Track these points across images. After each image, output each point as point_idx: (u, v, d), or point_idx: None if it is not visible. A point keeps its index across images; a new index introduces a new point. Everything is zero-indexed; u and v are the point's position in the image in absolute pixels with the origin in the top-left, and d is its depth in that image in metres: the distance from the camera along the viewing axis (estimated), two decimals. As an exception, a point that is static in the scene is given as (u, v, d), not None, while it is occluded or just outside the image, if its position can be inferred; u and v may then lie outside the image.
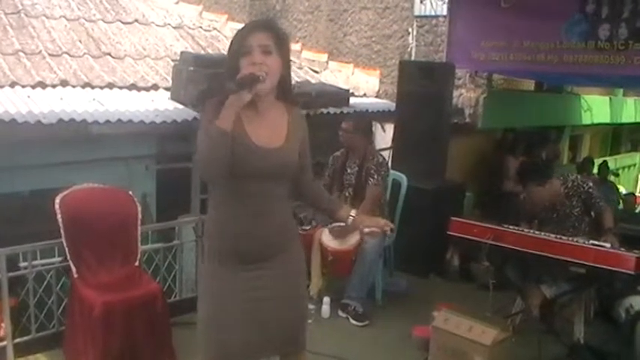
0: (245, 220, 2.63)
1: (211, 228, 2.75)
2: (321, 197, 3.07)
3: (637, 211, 10.17)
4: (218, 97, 2.54)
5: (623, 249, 4.19)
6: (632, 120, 13.01)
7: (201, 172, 2.68)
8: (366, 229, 3.12)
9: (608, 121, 11.68)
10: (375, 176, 5.27)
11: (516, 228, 4.58)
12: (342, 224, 5.03)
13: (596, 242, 4.26)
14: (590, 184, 5.02)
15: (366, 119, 5.76)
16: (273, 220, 2.67)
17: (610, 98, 11.46)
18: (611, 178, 10.90)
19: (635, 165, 14.86)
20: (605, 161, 10.72)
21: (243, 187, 2.60)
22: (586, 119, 10.48)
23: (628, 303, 4.97)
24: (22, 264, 4.39)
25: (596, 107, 10.77)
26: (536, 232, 4.52)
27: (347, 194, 5.39)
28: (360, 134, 5.38)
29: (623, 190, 10.95)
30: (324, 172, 5.56)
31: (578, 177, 5.17)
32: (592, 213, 4.85)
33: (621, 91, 11.88)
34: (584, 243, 4.23)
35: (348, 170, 5.42)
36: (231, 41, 2.60)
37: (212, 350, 2.75)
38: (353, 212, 3.01)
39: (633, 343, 4.12)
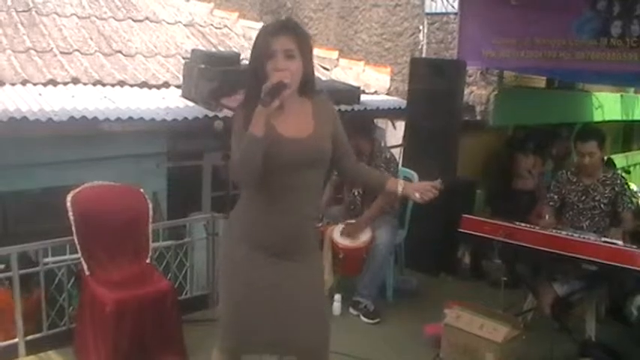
0: (286, 212, 2.69)
1: (242, 216, 2.81)
2: (371, 176, 3.14)
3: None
4: (245, 102, 2.65)
5: (635, 246, 4.17)
6: (644, 117, 12.94)
7: (236, 178, 2.68)
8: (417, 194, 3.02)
9: (619, 118, 11.60)
10: (385, 174, 5.25)
11: (528, 225, 4.56)
12: (354, 221, 5.11)
13: (608, 240, 4.25)
14: (629, 184, 5.02)
15: (361, 119, 5.68)
16: (311, 215, 2.77)
17: (621, 95, 11.39)
18: (622, 174, 10.83)
19: (646, 162, 14.78)
20: (610, 158, 10.65)
21: (277, 180, 2.63)
22: (597, 116, 10.41)
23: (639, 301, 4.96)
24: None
25: (608, 104, 10.71)
26: (549, 230, 4.50)
27: (356, 193, 5.38)
28: (360, 136, 5.24)
29: (634, 187, 10.88)
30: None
31: (620, 173, 5.17)
32: (618, 208, 4.82)
33: (633, 88, 11.81)
34: (596, 240, 4.22)
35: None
36: (255, 42, 2.67)
37: (228, 339, 2.83)
38: (402, 182, 3.02)
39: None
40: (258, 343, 2.78)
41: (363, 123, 5.51)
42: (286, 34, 2.59)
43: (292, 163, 2.61)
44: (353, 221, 5.16)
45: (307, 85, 2.70)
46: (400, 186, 2.98)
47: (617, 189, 4.82)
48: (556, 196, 5.05)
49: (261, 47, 2.61)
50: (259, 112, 2.47)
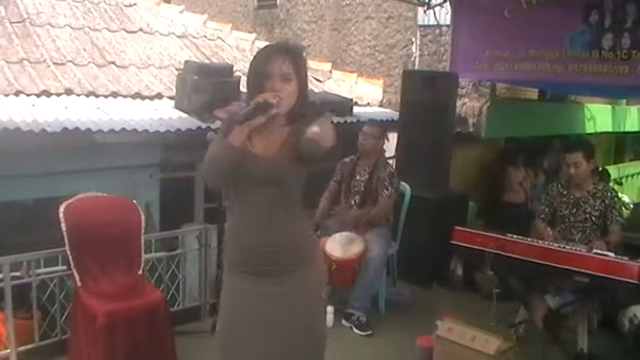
0: (251, 229, 2.67)
1: (227, 237, 2.83)
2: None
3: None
4: (231, 113, 2.66)
5: (626, 258, 4.19)
6: (636, 129, 12.98)
7: (204, 177, 2.71)
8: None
9: (611, 129, 11.65)
10: (390, 188, 5.29)
11: (520, 237, 4.58)
12: (347, 233, 5.12)
13: (599, 252, 4.26)
14: (618, 196, 5.05)
15: (385, 126, 5.76)
16: (280, 233, 2.67)
17: (613, 107, 11.44)
18: (615, 186, 10.88)
19: (638, 173, 14.83)
20: (604, 169, 10.70)
21: (248, 193, 2.66)
22: (589, 128, 10.47)
23: (632, 313, 4.97)
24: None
25: (599, 116, 10.76)
26: (540, 242, 4.52)
27: (353, 202, 5.40)
28: (379, 139, 5.43)
29: (626, 198, 10.92)
30: (330, 178, 5.58)
31: (611, 186, 5.21)
32: (607, 221, 4.84)
33: (624, 100, 11.87)
34: (587, 252, 4.24)
35: (357, 177, 5.43)
36: (253, 62, 2.70)
37: None
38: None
39: (638, 354, 4.10)
40: None
41: (384, 129, 5.65)
42: (284, 56, 2.61)
43: (254, 180, 2.62)
44: (346, 233, 5.16)
45: (299, 108, 2.68)
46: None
47: (607, 202, 4.85)
48: (547, 209, 5.07)
49: (259, 68, 2.63)
50: (244, 126, 2.52)
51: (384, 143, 5.53)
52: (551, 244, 4.48)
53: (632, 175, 14.45)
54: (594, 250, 4.28)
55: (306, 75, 2.73)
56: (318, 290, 2.82)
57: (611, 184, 9.63)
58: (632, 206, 9.99)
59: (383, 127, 5.70)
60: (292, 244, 2.70)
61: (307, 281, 2.75)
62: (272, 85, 2.58)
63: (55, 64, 6.86)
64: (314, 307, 2.80)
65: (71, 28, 7.87)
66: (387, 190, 5.30)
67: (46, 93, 6.23)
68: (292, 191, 2.70)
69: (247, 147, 2.61)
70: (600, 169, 10.10)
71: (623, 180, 12.87)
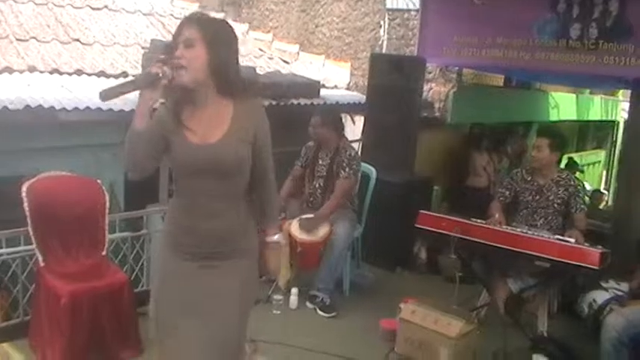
0: (187, 215, 2.64)
1: (168, 213, 2.81)
2: (261, 210, 2.88)
3: (601, 207, 10.32)
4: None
5: (587, 244, 4.27)
6: (598, 118, 13.20)
7: (125, 170, 2.66)
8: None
9: (574, 118, 11.81)
10: (347, 169, 5.28)
11: (483, 222, 4.64)
12: (311, 216, 5.13)
13: (560, 237, 4.34)
14: (581, 185, 5.13)
15: (334, 113, 5.72)
16: (216, 221, 2.62)
17: (577, 95, 11.59)
18: (576, 174, 11.06)
19: (599, 162, 15.07)
20: (571, 158, 10.86)
21: (185, 183, 2.62)
22: (553, 116, 10.59)
23: (591, 298, 5.08)
24: None
25: (564, 104, 10.90)
26: (503, 227, 4.58)
27: (317, 185, 5.41)
28: (329, 128, 5.37)
29: (588, 186, 11.10)
30: (295, 161, 5.58)
31: (575, 175, 5.30)
32: (571, 209, 4.91)
33: (589, 89, 12.02)
34: (549, 238, 4.31)
35: (320, 162, 5.42)
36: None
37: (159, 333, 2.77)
38: (276, 237, 2.93)
39: (596, 338, 4.19)
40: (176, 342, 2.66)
41: (334, 116, 5.55)
42: (189, 23, 2.52)
43: (192, 171, 2.57)
44: (311, 216, 5.18)
45: (223, 79, 2.55)
46: (271, 238, 2.90)
47: (570, 190, 4.92)
48: (507, 192, 5.13)
49: (172, 39, 2.56)
50: (140, 104, 2.47)
51: (336, 129, 5.44)
52: (513, 229, 4.54)
53: (594, 163, 14.70)
54: (556, 236, 4.36)
55: (224, 43, 2.56)
56: (249, 283, 2.78)
57: (577, 173, 9.82)
58: (590, 193, 10.18)
59: (331, 114, 5.61)
60: (228, 234, 2.66)
61: (238, 271, 2.70)
62: (177, 54, 2.49)
63: (17, 40, 6.72)
64: (240, 297, 2.72)
65: (34, 3, 7.71)
66: (345, 171, 5.29)
67: (9, 70, 6.11)
68: (234, 181, 2.62)
69: (183, 135, 2.54)
70: (568, 158, 10.26)
71: (585, 168, 13.09)
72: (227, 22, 2.74)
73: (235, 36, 2.65)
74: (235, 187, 2.64)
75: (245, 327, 2.83)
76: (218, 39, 2.53)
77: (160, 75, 2.42)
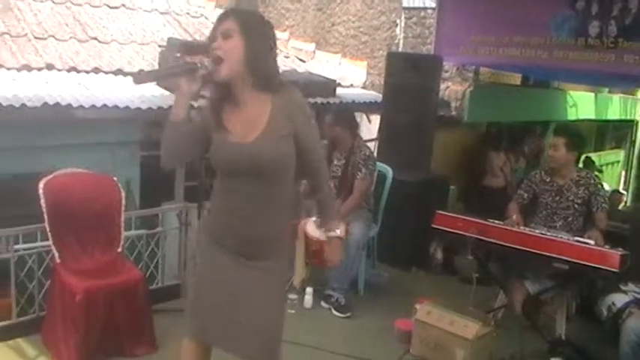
0: (226, 215, 2.65)
1: (210, 207, 2.83)
2: (323, 202, 2.98)
3: (620, 208, 10.23)
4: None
5: (607, 246, 4.21)
6: (617, 117, 13.05)
7: (162, 163, 2.70)
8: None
9: (593, 117, 11.69)
10: (363, 170, 5.26)
11: (501, 223, 4.59)
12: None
13: (580, 239, 4.28)
14: (601, 183, 5.07)
15: (348, 112, 5.69)
16: (253, 223, 2.61)
17: (595, 94, 11.48)
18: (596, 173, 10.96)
19: (618, 162, 14.92)
20: (588, 157, 10.76)
21: (225, 183, 2.62)
22: (571, 115, 10.50)
23: (610, 301, 4.99)
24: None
25: (582, 103, 10.80)
26: (521, 228, 4.53)
27: (332, 185, 5.37)
28: (342, 128, 5.34)
29: (607, 186, 11.02)
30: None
31: (595, 174, 5.25)
32: (592, 208, 4.84)
33: (607, 88, 11.91)
34: (568, 239, 4.25)
35: (335, 162, 5.39)
36: None
37: (191, 328, 2.80)
38: (338, 231, 3.00)
39: (615, 341, 4.14)
40: (212, 333, 2.73)
41: (348, 116, 5.53)
42: (227, 15, 2.53)
43: (230, 171, 2.57)
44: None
45: (259, 73, 2.53)
46: (334, 233, 2.97)
47: (591, 189, 4.85)
48: (526, 194, 5.08)
49: (210, 34, 2.56)
50: (178, 97, 2.48)
51: (350, 129, 5.41)
52: (531, 230, 4.49)
53: (612, 163, 14.55)
54: (575, 238, 4.30)
55: (260, 35, 2.55)
56: (281, 284, 2.89)
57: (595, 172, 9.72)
58: (609, 194, 10.09)
59: (344, 113, 5.59)
60: (265, 235, 2.66)
61: (277, 272, 2.76)
62: (214, 45, 2.49)
63: (36, 38, 6.76)
64: (274, 293, 2.78)
65: (53, 2, 7.75)
66: (361, 171, 5.26)
67: (27, 67, 6.15)
68: (273, 183, 2.59)
69: (223, 134, 2.54)
70: (585, 157, 10.18)
71: (603, 168, 12.97)
72: (264, 17, 2.74)
73: (272, 30, 2.67)
74: (275, 190, 2.61)
75: (282, 327, 2.89)
76: (255, 31, 2.53)
77: (198, 65, 2.43)
